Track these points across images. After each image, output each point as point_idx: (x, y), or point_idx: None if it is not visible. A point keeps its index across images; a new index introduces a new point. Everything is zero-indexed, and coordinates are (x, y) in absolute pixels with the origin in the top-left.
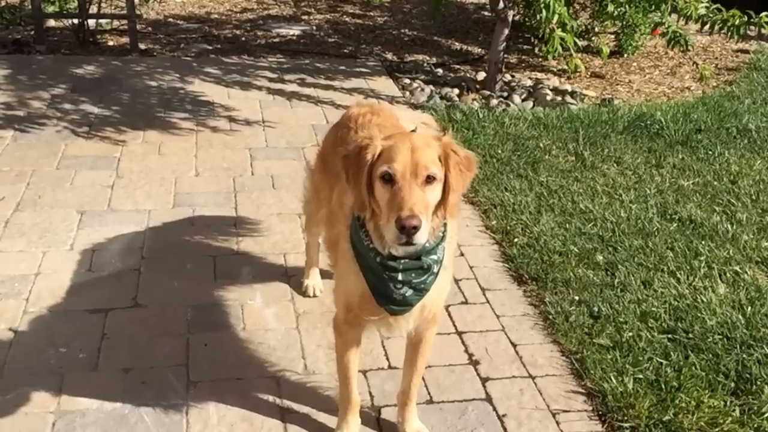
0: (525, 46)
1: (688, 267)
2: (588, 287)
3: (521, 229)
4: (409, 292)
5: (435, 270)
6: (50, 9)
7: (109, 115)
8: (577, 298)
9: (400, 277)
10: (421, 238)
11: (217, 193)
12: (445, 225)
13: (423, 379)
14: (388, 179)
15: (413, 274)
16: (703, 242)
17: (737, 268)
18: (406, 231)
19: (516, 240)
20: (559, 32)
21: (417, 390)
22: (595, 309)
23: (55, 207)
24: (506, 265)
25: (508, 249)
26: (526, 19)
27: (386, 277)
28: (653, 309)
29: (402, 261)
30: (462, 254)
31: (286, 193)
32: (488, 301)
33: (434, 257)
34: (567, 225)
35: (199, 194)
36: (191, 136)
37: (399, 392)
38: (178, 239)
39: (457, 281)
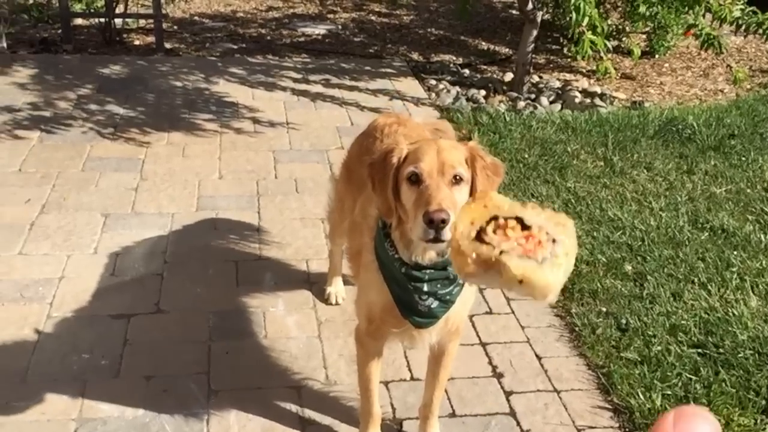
0: (554, 46)
1: (719, 278)
2: (616, 298)
3: None
4: (435, 304)
5: (461, 281)
6: (77, 7)
7: (134, 116)
8: (604, 309)
9: (425, 287)
10: (450, 234)
11: (240, 196)
12: None
13: (446, 391)
14: (415, 180)
15: (439, 285)
16: (735, 252)
17: None
18: (435, 225)
19: None
20: (589, 35)
21: (439, 403)
22: (623, 321)
23: (79, 210)
24: None
25: None
26: (556, 18)
27: (411, 288)
28: (683, 322)
29: (427, 271)
30: None
31: (309, 197)
32: (513, 312)
33: None
34: (595, 233)
35: (222, 197)
36: (215, 138)
37: (421, 405)
38: (200, 244)
39: (481, 290)
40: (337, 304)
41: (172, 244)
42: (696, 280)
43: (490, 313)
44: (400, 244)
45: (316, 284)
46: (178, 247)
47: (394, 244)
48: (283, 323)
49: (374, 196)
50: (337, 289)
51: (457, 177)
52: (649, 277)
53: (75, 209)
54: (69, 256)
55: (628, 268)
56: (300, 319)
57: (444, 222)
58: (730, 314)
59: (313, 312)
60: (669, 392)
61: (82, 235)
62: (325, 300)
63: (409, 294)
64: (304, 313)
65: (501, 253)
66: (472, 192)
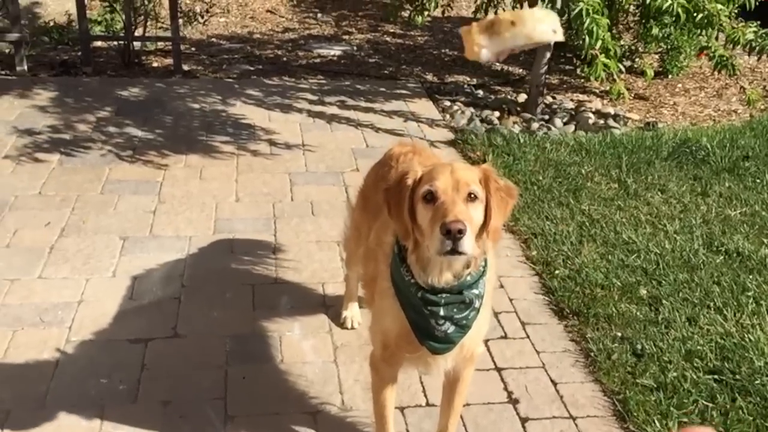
0: (567, 66)
1: (735, 303)
2: (631, 323)
3: (562, 260)
4: (451, 329)
5: (477, 305)
6: (97, 29)
7: (152, 139)
8: (619, 334)
9: (441, 312)
10: (467, 246)
11: (257, 219)
12: (485, 261)
13: (461, 418)
14: (430, 198)
15: (455, 309)
16: (750, 276)
17: None
18: (452, 236)
19: (557, 272)
20: (602, 58)
21: (455, 430)
22: (639, 346)
23: (98, 233)
24: (547, 297)
25: (548, 281)
26: (569, 39)
27: (427, 313)
28: (699, 347)
29: (443, 295)
30: (502, 286)
31: (325, 219)
32: (528, 336)
33: (476, 292)
34: (609, 256)
35: (239, 220)
36: (232, 161)
37: None
38: (217, 267)
39: (496, 314)
40: (352, 328)
41: (189, 268)
42: (711, 304)
43: (505, 337)
44: (417, 267)
45: (332, 308)
46: (196, 271)
47: (410, 268)
48: (299, 348)
49: (391, 220)
50: (352, 313)
51: (472, 195)
52: (664, 302)
53: (94, 232)
54: (88, 279)
55: (643, 292)
56: (316, 344)
57: (461, 233)
58: (746, 340)
59: (329, 336)
60: (685, 419)
61: (100, 259)
62: (341, 324)
63: (425, 319)
64: (320, 337)
65: (495, 14)
66: (487, 213)
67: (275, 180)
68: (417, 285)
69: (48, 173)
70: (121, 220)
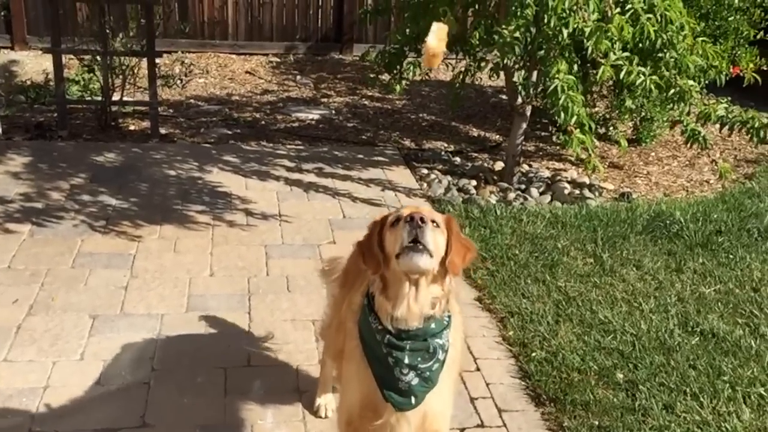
0: (543, 133)
1: (711, 388)
2: (608, 411)
3: (539, 341)
4: (415, 381)
5: (441, 357)
6: (74, 88)
7: (126, 208)
8: (596, 423)
9: (406, 359)
10: (429, 239)
11: (231, 295)
12: (449, 317)
13: None
14: (397, 223)
15: (419, 358)
16: (726, 359)
17: (762, 390)
18: (415, 224)
19: (534, 354)
20: (577, 133)
21: None
22: None
23: (67, 311)
24: (523, 382)
25: (525, 364)
26: (545, 107)
27: (392, 362)
28: None
29: (408, 342)
30: (478, 369)
31: (300, 296)
32: (505, 425)
33: (439, 341)
34: (586, 337)
35: (213, 297)
36: (207, 232)
37: None
38: (189, 348)
39: (473, 400)
40: (326, 417)
41: (160, 349)
42: (688, 390)
43: (482, 425)
44: (387, 304)
45: (306, 393)
46: (167, 353)
47: (378, 315)
48: None
49: (364, 265)
50: (326, 400)
51: (435, 222)
52: (641, 387)
53: (63, 310)
54: (55, 362)
55: (620, 376)
56: None
57: (423, 221)
58: (723, 429)
59: (303, 425)
60: None
61: (68, 340)
62: (315, 412)
63: (390, 371)
64: (293, 425)
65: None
66: (448, 247)
67: (251, 253)
68: (384, 330)
69: (18, 245)
70: (92, 296)
